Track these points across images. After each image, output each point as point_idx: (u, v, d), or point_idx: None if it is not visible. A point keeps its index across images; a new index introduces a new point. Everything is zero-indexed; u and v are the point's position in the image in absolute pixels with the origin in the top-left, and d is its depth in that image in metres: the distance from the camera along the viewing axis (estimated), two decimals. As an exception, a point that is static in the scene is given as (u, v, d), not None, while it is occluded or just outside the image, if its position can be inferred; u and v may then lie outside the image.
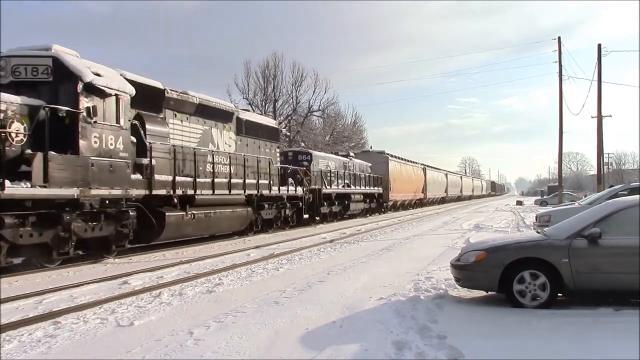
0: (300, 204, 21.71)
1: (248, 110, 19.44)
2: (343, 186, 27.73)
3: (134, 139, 12.22)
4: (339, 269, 9.80)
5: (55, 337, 5.32)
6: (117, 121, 11.43)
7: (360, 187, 30.34)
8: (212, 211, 14.99)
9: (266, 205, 18.67)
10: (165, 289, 8.03)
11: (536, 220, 15.76)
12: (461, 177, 78.75)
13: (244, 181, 16.80)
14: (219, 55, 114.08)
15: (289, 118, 49.89)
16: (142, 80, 13.09)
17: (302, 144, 44.33)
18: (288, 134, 46.19)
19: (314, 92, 49.81)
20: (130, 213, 11.87)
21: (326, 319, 5.91)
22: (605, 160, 55.19)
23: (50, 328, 5.72)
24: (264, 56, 61.67)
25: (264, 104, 48.91)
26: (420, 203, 48.05)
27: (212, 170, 15.21)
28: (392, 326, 5.41)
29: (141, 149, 12.54)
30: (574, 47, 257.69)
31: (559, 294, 6.41)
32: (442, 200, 59.62)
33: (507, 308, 6.19)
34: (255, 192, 17.58)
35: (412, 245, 14.20)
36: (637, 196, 6.84)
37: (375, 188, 33.58)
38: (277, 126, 22.27)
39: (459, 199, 71.03)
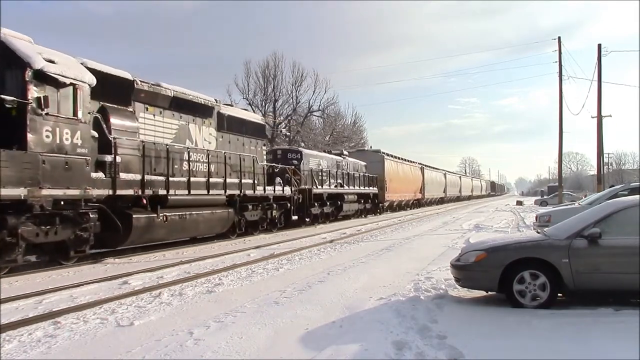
0: (289, 204, 20.57)
1: (231, 105, 18.19)
2: (336, 186, 26.66)
3: (95, 134, 11.12)
4: (339, 269, 9.80)
5: (55, 337, 5.32)
6: (75, 114, 10.32)
7: (354, 187, 29.32)
8: (188, 213, 13.92)
9: (250, 206, 17.50)
10: (165, 289, 8.03)
11: (536, 220, 15.77)
12: (460, 177, 77.86)
13: (225, 180, 15.71)
14: (219, 55, 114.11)
15: (289, 118, 49.91)
16: (107, 70, 12.00)
17: (302, 144, 44.31)
18: (288, 134, 46.25)
19: (314, 92, 49.91)
20: (91, 215, 10.82)
21: (326, 319, 5.91)
22: (605, 160, 55.20)
23: (50, 328, 5.72)
24: (264, 56, 61.83)
25: (264, 104, 49.01)
26: (418, 203, 47.22)
27: (188, 169, 14.15)
28: (392, 326, 5.41)
29: (104, 144, 11.35)
30: (574, 47, 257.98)
31: (559, 294, 6.42)
32: (441, 201, 58.80)
33: (507, 308, 6.19)
34: (237, 192, 16.47)
35: (412, 246, 14.20)
36: (637, 196, 6.84)
37: (371, 188, 32.57)
38: (263, 122, 20.93)
39: (458, 199, 70.34)
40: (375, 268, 9.91)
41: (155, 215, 12.66)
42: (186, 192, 13.89)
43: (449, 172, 68.71)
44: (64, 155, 10.01)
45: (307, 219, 22.78)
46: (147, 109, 13.37)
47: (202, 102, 15.69)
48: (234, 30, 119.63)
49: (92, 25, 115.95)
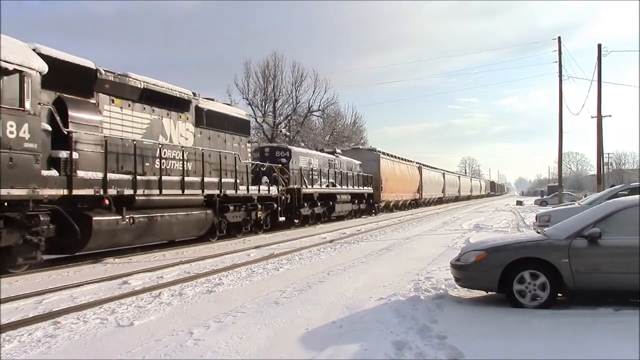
0: (275, 205, 19.48)
1: (212, 100, 16.99)
2: (327, 185, 25.72)
3: (48, 128, 10.15)
4: (339, 269, 9.80)
5: (55, 337, 5.32)
6: (21, 104, 9.23)
7: (347, 186, 28.38)
8: (159, 215, 12.80)
9: (232, 207, 16.33)
10: (165, 289, 8.03)
11: (536, 220, 15.77)
12: (459, 177, 76.94)
13: (202, 180, 14.71)
14: (219, 55, 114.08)
15: (289, 118, 49.96)
16: (65, 57, 10.85)
17: (302, 144, 44.33)
18: (288, 134, 46.25)
19: (313, 92, 50.00)
20: (42, 218, 9.67)
21: (326, 319, 5.91)
22: (605, 160, 55.23)
23: (50, 328, 5.72)
24: (264, 56, 61.82)
25: (264, 104, 49.10)
26: (416, 204, 46.29)
27: (159, 167, 13.13)
28: (392, 326, 5.40)
29: (60, 139, 10.29)
30: (574, 47, 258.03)
31: (559, 294, 6.41)
32: (439, 201, 57.98)
33: (507, 308, 6.19)
34: (217, 192, 15.46)
35: (412, 245, 14.20)
36: (637, 196, 6.83)
37: (365, 188, 31.66)
38: (246, 118, 19.37)
39: (457, 199, 69.52)
40: (375, 268, 9.91)
41: (120, 217, 11.53)
42: (157, 191, 12.82)
43: (447, 171, 67.80)
44: (7, 151, 8.92)
45: (296, 220, 21.74)
46: (113, 101, 12.23)
47: (178, 95, 14.56)
48: (234, 30, 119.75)
49: (92, 25, 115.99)
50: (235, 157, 16.83)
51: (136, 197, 12.18)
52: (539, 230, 8.47)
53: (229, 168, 16.55)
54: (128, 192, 11.96)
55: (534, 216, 17.92)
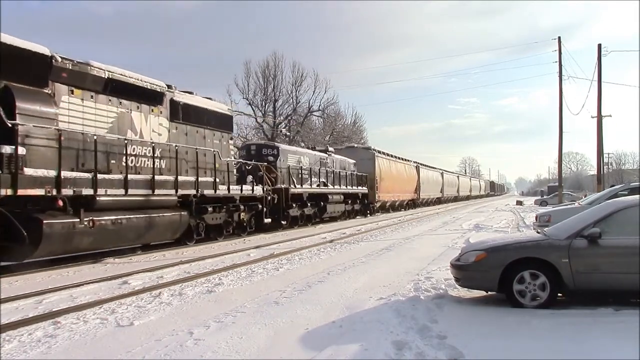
0: (260, 206, 18.35)
1: (191, 93, 15.78)
2: (318, 185, 24.52)
3: None
4: (339, 269, 9.80)
5: (55, 337, 5.32)
6: None
7: (340, 186, 27.17)
8: (125, 217, 11.60)
9: (210, 208, 15.25)
10: (165, 289, 8.03)
11: (536, 220, 15.77)
12: (458, 177, 75.79)
13: (176, 178, 13.55)
14: (219, 55, 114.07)
15: (289, 118, 49.97)
16: (12, 42, 9.84)
17: (302, 144, 44.34)
18: (288, 133, 46.24)
19: (314, 92, 49.98)
20: None
21: (326, 319, 5.91)
22: (605, 160, 55.24)
23: (50, 328, 5.72)
24: (264, 56, 61.75)
25: (264, 104, 49.10)
26: (413, 204, 45.15)
27: (126, 165, 12.01)
28: (392, 326, 5.41)
29: (4, 133, 9.38)
30: (574, 47, 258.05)
31: (559, 294, 6.41)
32: (438, 201, 57.03)
33: (507, 308, 6.19)
34: (193, 192, 14.34)
35: (412, 245, 14.20)
36: (637, 196, 6.84)
37: (360, 187, 30.63)
38: (229, 113, 18.09)
39: (456, 199, 68.62)
40: (375, 268, 9.91)
41: (78, 220, 10.32)
42: (122, 191, 11.65)
43: (446, 171, 66.69)
44: None
45: (284, 222, 20.53)
46: (72, 92, 11.06)
47: (149, 87, 13.38)
48: (234, 30, 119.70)
49: (92, 25, 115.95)
50: (214, 155, 15.73)
51: (97, 198, 10.96)
52: (539, 230, 8.47)
53: (208, 166, 15.42)
54: (87, 192, 10.75)
55: (534, 216, 17.92)
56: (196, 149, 14.93)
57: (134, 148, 12.66)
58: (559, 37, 35.24)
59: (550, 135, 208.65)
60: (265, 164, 19.99)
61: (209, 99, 16.79)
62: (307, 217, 23.06)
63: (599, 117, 31.80)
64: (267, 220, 18.89)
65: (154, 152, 13.12)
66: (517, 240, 7.06)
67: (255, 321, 5.86)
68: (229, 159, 16.99)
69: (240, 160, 19.36)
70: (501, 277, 6.28)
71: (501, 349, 4.62)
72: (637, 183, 18.04)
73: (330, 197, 25.19)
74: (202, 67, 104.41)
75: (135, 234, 12.21)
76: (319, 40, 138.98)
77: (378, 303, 6.67)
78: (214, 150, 15.84)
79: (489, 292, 6.77)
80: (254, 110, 48.51)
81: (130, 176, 11.96)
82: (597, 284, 6.23)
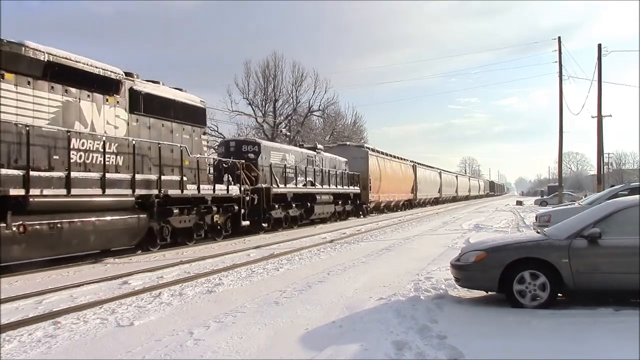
0: (237, 207, 16.87)
1: (157, 82, 14.23)
2: (305, 184, 23.12)
3: None
4: (339, 269, 9.80)
5: (55, 337, 5.33)
6: None
7: (330, 186, 25.70)
8: (66, 220, 10.22)
9: (177, 210, 13.77)
10: (165, 289, 8.03)
11: (536, 220, 15.78)
12: (457, 177, 74.15)
13: (133, 177, 12.07)
14: (219, 55, 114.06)
15: (289, 118, 50.01)
16: None
17: (304, 144, 44.34)
18: (288, 133, 46.26)
19: (314, 92, 50.07)
20: None
21: (326, 319, 5.91)
22: (605, 160, 55.21)
23: (50, 328, 5.72)
24: (264, 56, 61.80)
25: (264, 104, 49.21)
26: (410, 204, 43.37)
27: (68, 160, 10.52)
28: (392, 326, 5.41)
29: None
30: (574, 47, 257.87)
31: (559, 294, 6.42)
32: (436, 201, 55.48)
33: (507, 308, 6.19)
34: (154, 191, 12.90)
35: (412, 245, 14.20)
36: (637, 196, 6.84)
37: (352, 187, 29.17)
38: (201, 105, 16.26)
39: (455, 199, 67.00)
40: (375, 268, 9.91)
41: (4, 224, 9.05)
42: (64, 191, 10.20)
43: (444, 170, 64.97)
44: None
45: (265, 224, 19.04)
46: (2, 76, 9.81)
47: (101, 74, 11.88)
48: (234, 30, 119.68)
49: (92, 25, 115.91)
50: (182, 151, 14.27)
51: (30, 199, 9.56)
52: (539, 230, 8.48)
53: (175, 163, 14.05)
54: (16, 191, 9.36)
55: (534, 216, 17.93)
56: (159, 144, 13.31)
57: (83, 142, 11.13)
58: (559, 37, 35.30)
59: (550, 135, 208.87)
60: (244, 161, 18.48)
61: (179, 89, 15.23)
62: (292, 219, 21.66)
63: (599, 117, 31.81)
64: (245, 223, 17.43)
65: (104, 147, 11.59)
66: (517, 240, 7.06)
67: (255, 321, 5.86)
68: (199, 155, 15.40)
69: (215, 157, 17.79)
70: (501, 277, 6.28)
71: (501, 349, 4.62)
72: (637, 183, 18.05)
73: (318, 197, 23.74)
74: (202, 67, 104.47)
75: (80, 239, 10.72)
76: (319, 40, 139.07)
77: (378, 303, 6.67)
78: (180, 146, 14.29)
79: (489, 292, 6.77)
80: (254, 110, 48.63)
81: (74, 174, 10.47)
82: (597, 284, 6.23)
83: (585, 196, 28.14)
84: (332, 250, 13.34)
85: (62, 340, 5.23)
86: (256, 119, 48.04)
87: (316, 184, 24.36)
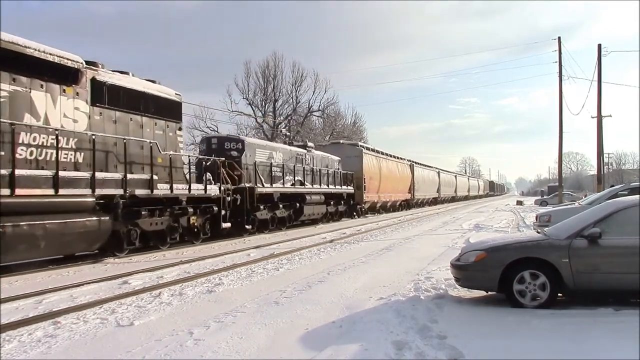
0: (216, 208, 15.67)
1: (126, 73, 13.15)
2: (293, 184, 22.06)
3: None
4: (339, 269, 9.80)
5: (55, 337, 5.33)
6: None
7: (321, 185, 24.64)
8: (9, 224, 9.12)
9: (145, 212, 12.54)
10: (165, 288, 8.03)
11: (536, 220, 15.78)
12: (456, 176, 73.04)
13: (93, 175, 10.96)
14: (219, 55, 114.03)
15: (289, 118, 50.01)
16: None
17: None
18: (288, 133, 46.24)
19: (314, 92, 50.08)
20: None
21: (326, 319, 5.91)
22: (605, 160, 55.20)
23: (50, 328, 5.72)
24: (264, 56, 61.80)
25: (264, 104, 49.22)
26: (407, 205, 42.42)
27: (13, 157, 9.43)
28: (392, 326, 5.41)
29: None
30: (574, 47, 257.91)
31: (559, 294, 6.41)
32: (434, 202, 54.48)
33: (507, 308, 6.19)
34: (120, 191, 11.74)
35: (412, 245, 14.20)
36: (637, 196, 6.84)
37: (345, 187, 28.04)
38: (176, 99, 14.89)
39: (454, 199, 66.25)
40: (375, 268, 9.91)
41: None
42: (7, 191, 9.20)
43: (443, 170, 63.83)
44: None
45: (249, 227, 17.86)
46: None
47: (57, 61, 10.78)
48: (234, 30, 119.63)
49: (92, 25, 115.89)
50: (151, 147, 13.02)
51: None
52: (539, 230, 8.47)
53: (145, 161, 12.93)
54: None
55: (534, 216, 17.93)
56: (124, 139, 12.13)
57: (34, 137, 10.03)
58: (559, 37, 35.29)
59: (550, 135, 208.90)
60: (224, 159, 17.31)
61: (152, 81, 14.08)
62: (279, 221, 20.54)
63: (599, 117, 31.81)
64: (226, 225, 16.27)
65: (58, 142, 10.40)
66: (517, 240, 7.05)
67: (255, 321, 5.86)
68: (174, 152, 14.27)
69: (191, 154, 15.99)
70: (501, 277, 6.28)
71: (501, 349, 4.62)
72: (637, 183, 18.05)
73: (308, 197, 22.67)
74: (202, 67, 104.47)
75: (27, 245, 9.60)
76: (319, 40, 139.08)
77: (378, 303, 6.67)
78: (150, 142, 13.06)
79: (489, 292, 6.77)
80: (254, 111, 48.64)
81: (19, 172, 9.42)
82: (597, 284, 6.23)
83: (585, 196, 28.15)
84: (332, 250, 13.33)
85: (62, 340, 5.23)
86: (256, 119, 48.06)
87: (306, 183, 23.34)
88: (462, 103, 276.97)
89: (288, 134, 45.97)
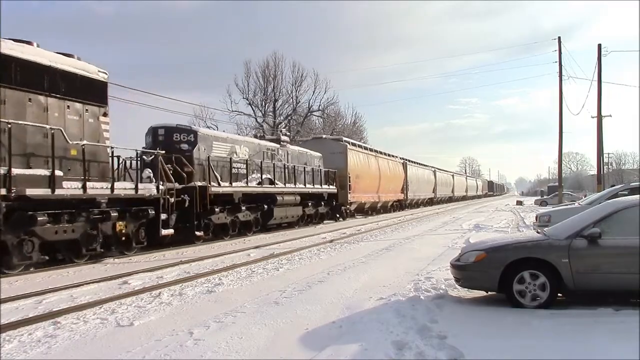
0: (152, 211, 12.84)
1: (27, 43, 10.60)
2: (260, 183, 19.30)
3: None
4: (339, 269, 9.80)
5: (55, 337, 5.33)
6: None
7: (296, 184, 22.25)
8: None
9: (45, 218, 9.80)
10: (165, 289, 8.03)
11: (536, 220, 15.77)
12: (453, 176, 70.37)
13: None
14: (219, 55, 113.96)
15: (289, 118, 50.00)
16: None
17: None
18: (288, 133, 46.26)
19: (314, 92, 50.04)
20: None
21: (326, 319, 5.91)
22: (605, 160, 55.22)
23: (50, 328, 5.72)
24: (264, 56, 61.72)
25: (264, 104, 49.16)
26: (400, 206, 39.98)
27: None
28: (392, 326, 5.41)
29: None
30: (574, 47, 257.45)
31: (559, 294, 6.42)
32: (430, 202, 52.09)
33: (507, 308, 6.19)
34: (2, 191, 9.13)
35: (412, 245, 14.20)
36: (637, 196, 6.84)
37: (327, 186, 25.42)
38: (99, 77, 12.25)
39: (451, 200, 63.76)
40: (375, 268, 9.91)
41: None
42: None
43: (439, 169, 61.21)
44: None
45: (199, 233, 15.15)
46: None
47: None
48: (234, 30, 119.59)
49: (92, 25, 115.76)
50: (54, 134, 10.24)
51: None
52: (539, 230, 8.48)
53: (43, 153, 10.27)
54: None
55: (534, 216, 17.93)
56: (9, 123, 9.37)
57: None
58: (559, 38, 35.26)
59: (551, 135, 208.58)
60: (164, 152, 14.31)
61: (69, 55, 11.53)
62: (243, 225, 18.02)
63: (599, 117, 31.81)
64: (167, 232, 13.50)
65: None
66: (517, 240, 7.06)
67: (255, 321, 5.86)
68: (92, 143, 11.58)
69: (115, 145, 12.84)
70: (501, 277, 6.28)
71: (501, 349, 4.62)
72: (637, 183, 18.05)
73: (279, 198, 20.10)
74: (202, 67, 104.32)
75: None
76: (319, 40, 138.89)
77: (378, 303, 6.67)
78: (53, 128, 10.29)
79: (489, 292, 6.77)
80: (254, 110, 48.61)
81: None
82: (597, 284, 6.23)
83: (585, 196, 28.15)
84: (332, 250, 13.34)
85: (62, 340, 5.23)
86: (256, 119, 48.08)
87: (278, 182, 20.78)
88: (462, 103, 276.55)
89: (288, 133, 46.02)
